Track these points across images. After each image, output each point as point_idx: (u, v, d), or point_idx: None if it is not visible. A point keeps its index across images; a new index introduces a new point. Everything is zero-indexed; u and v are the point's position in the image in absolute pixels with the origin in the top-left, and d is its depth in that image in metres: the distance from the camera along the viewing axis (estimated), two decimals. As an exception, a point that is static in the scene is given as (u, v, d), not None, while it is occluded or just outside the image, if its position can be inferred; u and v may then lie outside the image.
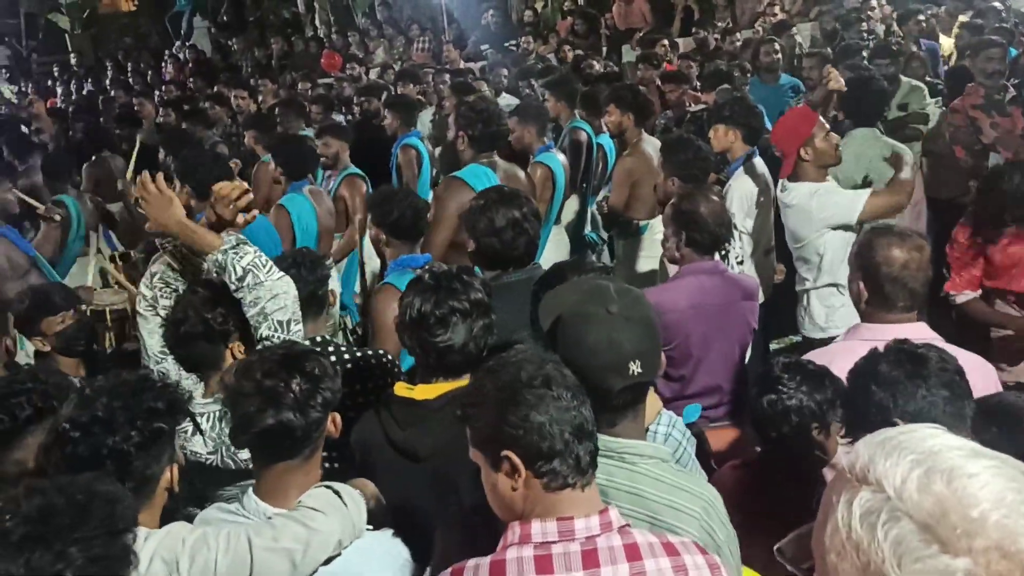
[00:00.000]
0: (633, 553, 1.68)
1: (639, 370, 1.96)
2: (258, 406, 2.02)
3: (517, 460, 1.70)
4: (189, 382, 2.68)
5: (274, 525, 1.99)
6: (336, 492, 2.10)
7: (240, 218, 2.70)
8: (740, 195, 4.51)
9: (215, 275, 2.62)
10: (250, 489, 2.12)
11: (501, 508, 1.77)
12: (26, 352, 4.04)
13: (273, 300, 2.54)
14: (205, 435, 2.57)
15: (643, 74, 8.19)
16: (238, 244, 2.57)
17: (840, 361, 2.55)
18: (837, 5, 11.10)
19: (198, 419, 2.56)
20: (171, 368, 2.73)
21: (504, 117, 4.83)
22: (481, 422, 1.75)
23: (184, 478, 2.18)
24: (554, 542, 1.68)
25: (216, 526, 2.02)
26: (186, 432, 2.54)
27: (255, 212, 2.77)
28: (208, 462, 2.60)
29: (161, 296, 2.74)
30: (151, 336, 2.75)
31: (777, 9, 10.92)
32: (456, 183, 4.41)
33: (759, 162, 4.71)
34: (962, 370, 2.21)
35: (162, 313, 2.73)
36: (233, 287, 2.55)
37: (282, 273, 2.62)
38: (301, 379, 2.05)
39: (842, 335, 3.00)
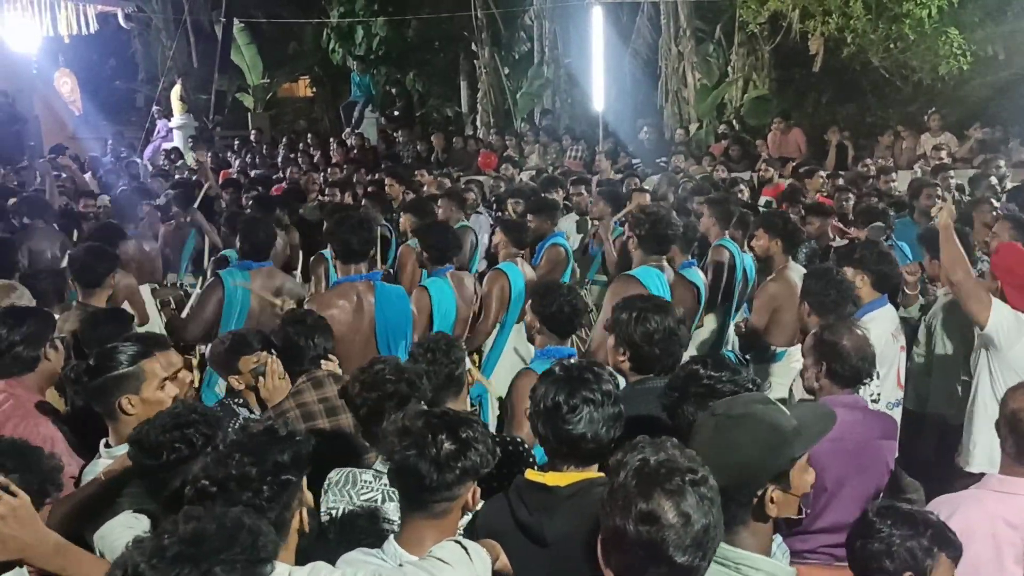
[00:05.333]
0: None
1: None
2: (405, 445, 2.25)
3: None
4: None
5: (404, 572, 2.16)
6: (464, 548, 2.23)
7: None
8: None
9: None
10: (391, 536, 2.32)
11: None
12: (215, 390, 4.44)
13: None
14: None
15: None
16: None
17: (965, 508, 2.51)
18: (1004, 154, 10.87)
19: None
20: None
21: (675, 224, 4.95)
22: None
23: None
24: None
25: (354, 567, 2.22)
26: (377, 499, 2.77)
27: None
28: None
29: None
30: None
31: (944, 154, 10.78)
32: (631, 280, 4.64)
33: (887, 311, 4.59)
34: None
35: None
36: None
37: None
38: (450, 440, 2.24)
39: (977, 483, 2.94)
